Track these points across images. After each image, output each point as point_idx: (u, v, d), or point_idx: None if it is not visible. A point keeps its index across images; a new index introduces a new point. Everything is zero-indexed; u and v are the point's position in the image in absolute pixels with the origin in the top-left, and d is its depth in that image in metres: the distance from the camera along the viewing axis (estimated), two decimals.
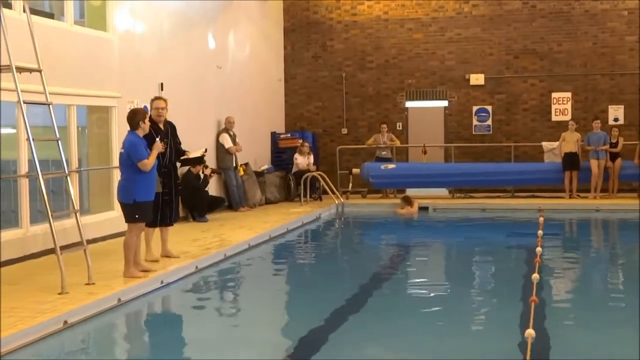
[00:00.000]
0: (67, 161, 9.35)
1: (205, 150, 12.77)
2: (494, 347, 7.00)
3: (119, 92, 12.76)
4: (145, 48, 13.98)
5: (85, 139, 12.55)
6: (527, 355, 6.11)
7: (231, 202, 16.55)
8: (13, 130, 10.63)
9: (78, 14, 12.22)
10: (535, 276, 9.17)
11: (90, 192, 12.74)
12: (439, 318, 8.41)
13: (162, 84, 13.97)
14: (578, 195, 18.11)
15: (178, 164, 11.64)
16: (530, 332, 6.61)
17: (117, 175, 11.37)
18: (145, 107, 11.08)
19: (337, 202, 17.98)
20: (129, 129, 9.10)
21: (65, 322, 7.17)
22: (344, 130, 21.45)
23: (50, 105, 8.80)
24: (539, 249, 11.21)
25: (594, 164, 17.92)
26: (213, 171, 15.80)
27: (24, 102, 8.35)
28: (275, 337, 7.71)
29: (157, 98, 10.71)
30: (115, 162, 12.07)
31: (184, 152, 10.91)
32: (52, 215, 8.22)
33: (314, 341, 7.00)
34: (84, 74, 11.75)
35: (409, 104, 21.40)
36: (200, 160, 12.73)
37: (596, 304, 9.43)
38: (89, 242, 8.81)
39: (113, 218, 12.08)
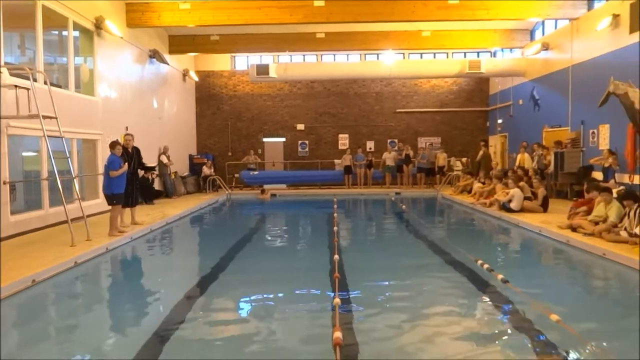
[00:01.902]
0: (72, 170, 8.76)
1: (156, 165, 13.29)
2: (318, 262, 7.19)
3: (101, 131, 12.00)
4: (116, 106, 13.21)
5: (82, 158, 11.66)
6: (335, 271, 6.35)
7: (167, 193, 15.91)
8: (35, 154, 9.81)
9: (75, 85, 11.36)
10: (335, 228, 9.60)
11: (85, 188, 11.86)
12: (284, 253, 8.57)
13: (127, 127, 13.19)
14: (353, 187, 18.61)
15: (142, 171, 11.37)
16: (336, 257, 6.87)
17: (100, 179, 10.77)
18: (117, 139, 10.48)
19: (227, 192, 17.73)
20: (109, 151, 8.70)
21: (75, 262, 6.88)
22: (230, 153, 21.07)
23: (63, 138, 8.20)
24: (335, 214, 11.70)
25: (358, 171, 18.57)
26: (157, 175, 15.25)
27: (47, 136, 7.75)
28: (193, 265, 7.69)
29: (127, 133, 10.27)
30: (99, 171, 11.46)
31: (144, 164, 10.54)
32: (65, 201, 7.70)
33: (217, 269, 6.93)
34: (81, 120, 11.02)
35: (265, 139, 21.33)
36: (154, 169, 13.04)
37: (363, 238, 9.97)
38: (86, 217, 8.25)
39: (98, 203, 11.33)
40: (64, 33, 11.09)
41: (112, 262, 7.68)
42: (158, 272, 7.12)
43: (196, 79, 20.58)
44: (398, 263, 7.36)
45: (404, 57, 20.19)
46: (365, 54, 20.43)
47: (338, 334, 4.02)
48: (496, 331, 4.48)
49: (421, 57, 20.47)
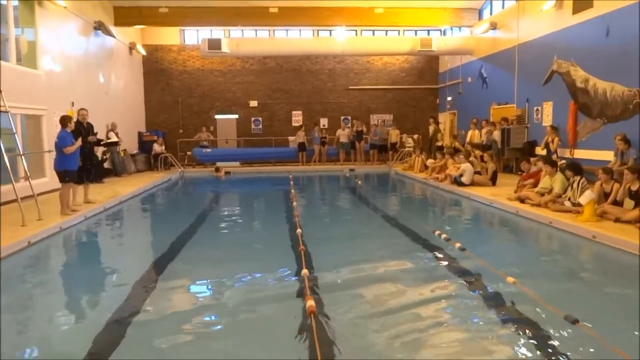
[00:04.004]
0: (19, 147, 8.30)
1: (119, 140, 13.79)
2: (282, 234, 7.21)
3: (45, 106, 11.40)
4: (60, 79, 12.55)
5: (26, 134, 11.03)
6: (299, 244, 6.42)
7: (117, 171, 15.36)
8: None
9: (16, 58, 10.71)
10: (295, 204, 9.65)
11: (30, 166, 11.27)
12: (240, 228, 8.52)
13: (73, 102, 12.65)
14: (307, 164, 18.58)
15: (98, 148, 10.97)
16: (298, 231, 6.96)
17: (48, 156, 10.31)
18: (66, 114, 9.96)
19: (179, 170, 17.36)
20: (60, 127, 8.31)
21: (29, 242, 6.57)
22: (181, 131, 20.57)
23: (9, 113, 7.75)
24: (292, 191, 11.71)
25: (315, 147, 18.62)
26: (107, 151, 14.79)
27: None
28: (149, 243, 7.48)
29: (82, 109, 9.84)
30: (44, 148, 10.96)
31: (100, 140, 10.19)
32: (13, 179, 7.31)
33: (176, 247, 6.74)
34: (23, 94, 10.41)
35: (217, 116, 20.95)
36: (117, 144, 13.11)
37: (319, 212, 9.97)
38: (31, 196, 7.86)
39: (45, 182, 10.83)
40: (3, 2, 10.35)
41: (67, 242, 7.41)
42: (115, 252, 6.93)
43: (144, 53, 19.80)
44: (359, 236, 7.45)
45: (356, 34, 20.25)
46: (318, 30, 20.31)
47: (311, 302, 4.12)
48: (455, 293, 4.71)
49: (373, 34, 20.61)
